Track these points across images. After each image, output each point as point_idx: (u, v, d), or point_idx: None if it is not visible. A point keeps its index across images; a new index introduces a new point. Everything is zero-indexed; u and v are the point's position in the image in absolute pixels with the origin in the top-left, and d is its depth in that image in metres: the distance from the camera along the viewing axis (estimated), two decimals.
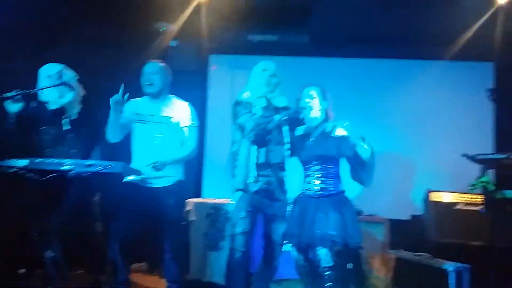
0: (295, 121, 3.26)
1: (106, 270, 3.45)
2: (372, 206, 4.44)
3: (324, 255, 2.98)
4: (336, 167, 3.16)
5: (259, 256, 3.37)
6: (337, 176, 3.15)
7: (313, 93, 3.22)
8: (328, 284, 2.96)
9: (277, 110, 3.26)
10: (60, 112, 3.44)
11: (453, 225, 4.19)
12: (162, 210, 3.36)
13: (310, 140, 3.21)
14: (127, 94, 3.30)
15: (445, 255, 3.58)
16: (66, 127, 3.44)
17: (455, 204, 4.32)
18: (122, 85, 3.28)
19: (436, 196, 4.38)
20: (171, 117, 3.45)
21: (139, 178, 3.33)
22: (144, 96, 3.54)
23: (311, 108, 3.20)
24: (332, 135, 3.15)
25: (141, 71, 3.51)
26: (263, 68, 3.32)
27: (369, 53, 5.28)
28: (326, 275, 2.97)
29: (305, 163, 3.22)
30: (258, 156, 3.20)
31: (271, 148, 3.21)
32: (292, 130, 3.32)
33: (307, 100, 3.21)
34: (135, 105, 3.52)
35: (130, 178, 3.32)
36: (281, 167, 3.27)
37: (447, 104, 5.14)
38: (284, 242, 3.28)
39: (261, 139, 3.18)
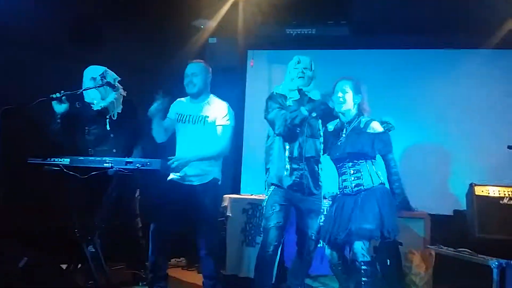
0: (328, 115, 3.24)
1: (146, 265, 3.56)
2: (413, 200, 4.33)
3: (360, 249, 2.95)
4: (370, 162, 3.11)
5: (294, 251, 3.38)
6: (372, 170, 3.10)
7: (346, 87, 3.17)
8: (364, 279, 2.93)
9: (311, 103, 3.22)
10: (103, 113, 3.58)
11: (498, 220, 4.02)
12: (197, 207, 3.42)
13: (343, 136, 3.17)
14: (162, 100, 3.39)
15: (488, 251, 3.45)
16: (108, 127, 3.57)
17: (500, 198, 4.15)
18: (156, 95, 3.38)
19: (481, 190, 4.20)
20: (207, 116, 3.50)
21: (178, 176, 3.44)
22: (188, 97, 3.63)
23: (343, 102, 3.16)
24: (366, 131, 3.10)
25: (184, 73, 3.58)
26: (297, 60, 3.31)
27: (411, 43, 5.15)
28: (362, 269, 2.94)
29: (338, 161, 3.18)
30: (292, 149, 3.20)
31: (304, 141, 3.18)
32: (325, 124, 3.30)
33: (339, 94, 3.17)
34: (178, 106, 3.63)
35: (170, 176, 3.44)
36: (315, 160, 3.25)
37: (492, 95, 4.94)
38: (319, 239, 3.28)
39: (291, 133, 3.16)
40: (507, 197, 4.14)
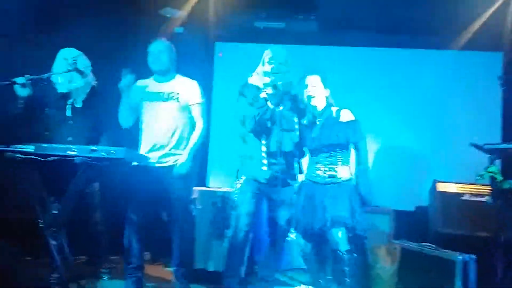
0: (298, 105, 3.26)
1: (107, 259, 3.45)
2: (378, 197, 4.41)
3: (342, 238, 3.01)
4: (345, 154, 3.17)
5: (265, 243, 3.38)
6: (345, 163, 3.16)
7: (315, 81, 3.22)
8: (346, 268, 2.98)
9: (285, 96, 3.23)
10: (67, 96, 3.45)
11: (459, 215, 4.17)
12: (168, 189, 3.33)
13: (316, 128, 3.21)
14: (133, 76, 3.30)
15: (450, 246, 3.55)
16: (68, 113, 3.43)
17: (462, 194, 4.28)
18: (124, 69, 3.29)
19: (443, 187, 4.34)
20: (178, 93, 3.43)
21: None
22: (151, 76, 3.54)
23: (313, 96, 3.21)
24: (338, 121, 3.16)
25: (147, 51, 3.51)
26: (273, 55, 3.27)
27: (377, 42, 5.23)
28: (344, 258, 2.99)
29: (313, 151, 3.22)
30: (269, 144, 3.19)
31: (281, 136, 3.17)
32: (300, 117, 3.30)
33: (309, 89, 3.22)
34: (143, 85, 3.52)
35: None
36: (292, 154, 3.26)
37: (455, 93, 5.09)
38: (290, 230, 3.29)
39: (262, 128, 3.16)
40: (468, 193, 4.28)
